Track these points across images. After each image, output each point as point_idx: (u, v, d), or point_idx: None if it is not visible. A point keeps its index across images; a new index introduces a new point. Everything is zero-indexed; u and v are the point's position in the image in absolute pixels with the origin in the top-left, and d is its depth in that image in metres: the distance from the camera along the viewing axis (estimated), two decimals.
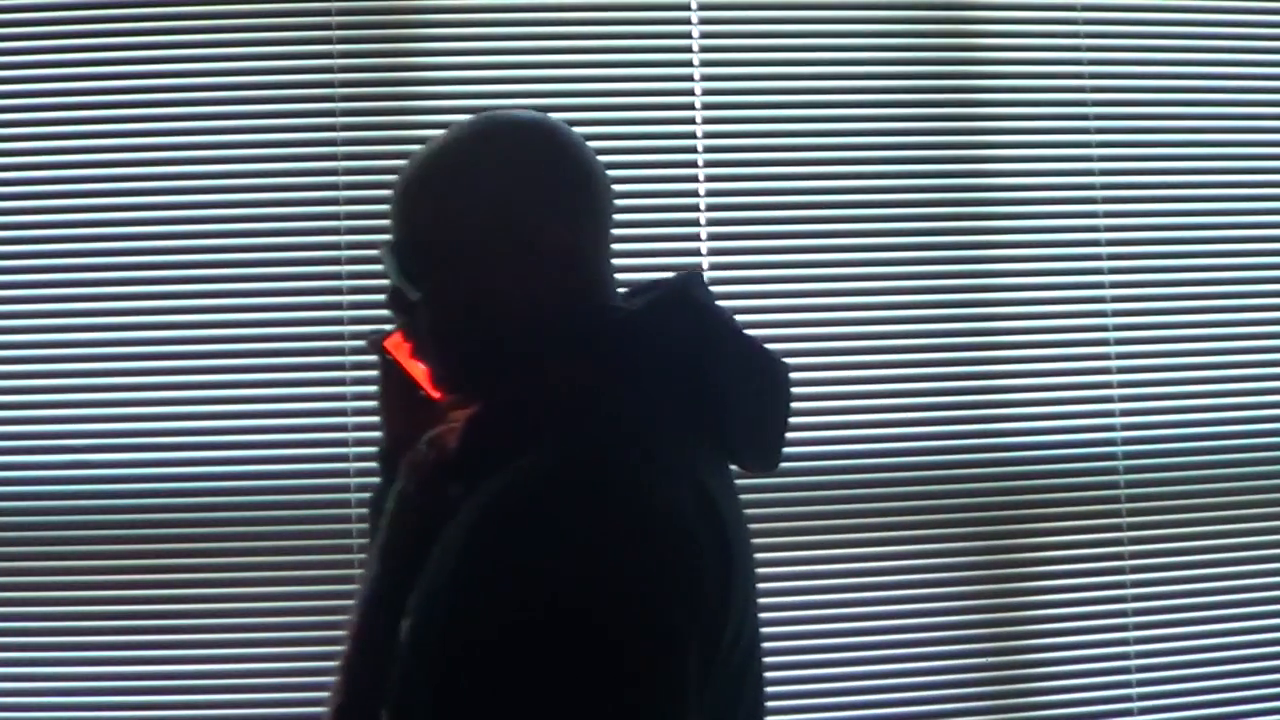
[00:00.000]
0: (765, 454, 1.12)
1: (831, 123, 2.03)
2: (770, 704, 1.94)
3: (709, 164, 2.01)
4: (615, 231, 1.12)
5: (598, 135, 1.98)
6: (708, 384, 1.03)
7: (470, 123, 1.09)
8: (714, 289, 1.12)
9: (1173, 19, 2.10)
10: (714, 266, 2.00)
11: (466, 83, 1.99)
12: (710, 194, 2.01)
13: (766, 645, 1.94)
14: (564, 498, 0.90)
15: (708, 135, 2.01)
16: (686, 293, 1.08)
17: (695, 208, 2.00)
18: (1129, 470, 2.04)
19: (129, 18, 1.95)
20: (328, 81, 1.96)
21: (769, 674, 1.94)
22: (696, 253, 2.00)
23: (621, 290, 1.12)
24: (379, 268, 1.94)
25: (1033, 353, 2.04)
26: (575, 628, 0.85)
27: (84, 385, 1.91)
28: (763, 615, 2.00)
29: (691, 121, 2.02)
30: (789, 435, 1.15)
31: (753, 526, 2.00)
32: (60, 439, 1.89)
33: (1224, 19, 2.11)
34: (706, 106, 2.02)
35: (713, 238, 2.00)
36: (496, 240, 1.03)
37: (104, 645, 1.87)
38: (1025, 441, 2.03)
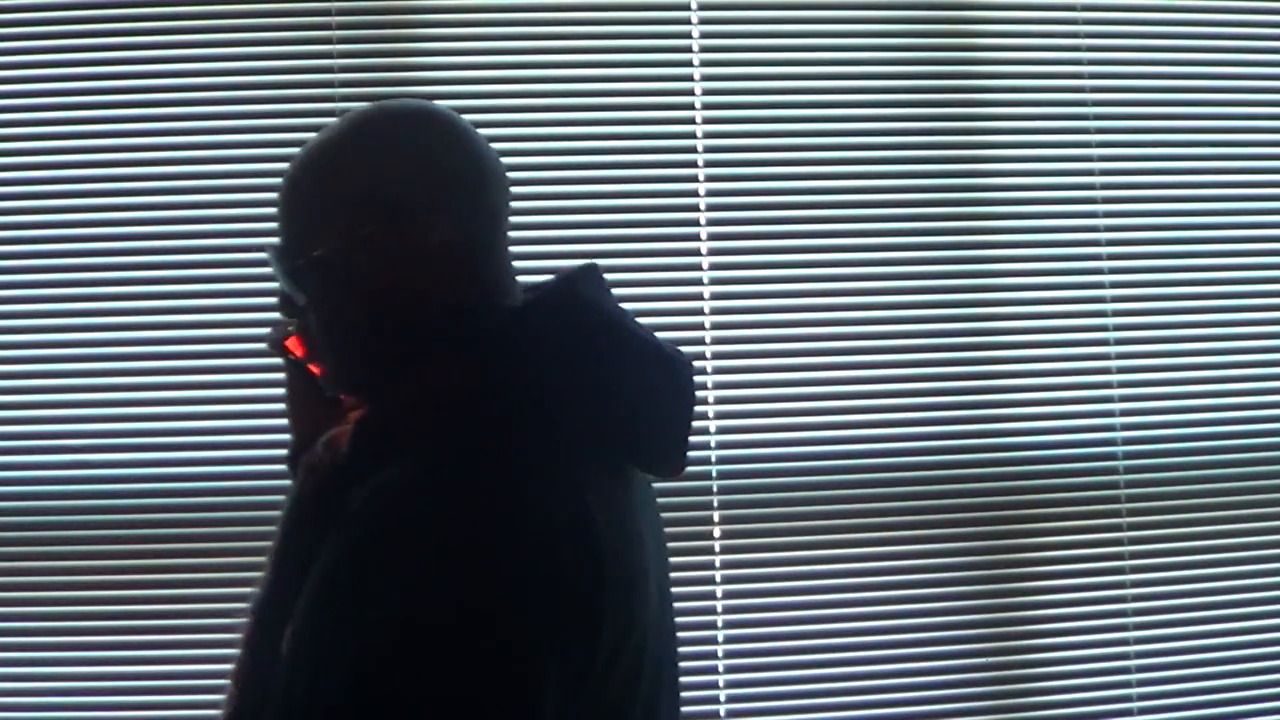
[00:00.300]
0: (666, 456, 1.05)
1: (831, 123, 2.03)
2: (770, 704, 1.94)
3: (709, 164, 2.01)
4: (512, 227, 1.08)
5: (598, 135, 1.99)
6: (597, 383, 0.98)
7: (354, 116, 1.04)
8: (611, 285, 1.07)
9: (1173, 19, 2.10)
10: (714, 266, 2.00)
11: (466, 83, 1.99)
12: (710, 194, 2.01)
13: (767, 645, 1.95)
14: (426, 509, 0.87)
15: (708, 135, 2.01)
16: (574, 289, 1.03)
17: (695, 208, 2.01)
18: (1129, 470, 2.04)
19: (129, 18, 1.95)
20: (328, 81, 1.96)
21: (769, 673, 1.95)
22: (697, 252, 2.00)
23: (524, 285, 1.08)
24: None
25: (1033, 353, 2.04)
26: (431, 646, 0.83)
27: (84, 385, 1.91)
28: (764, 615, 2.00)
29: (691, 121, 2.02)
30: (692, 437, 1.07)
31: (752, 526, 2.00)
32: (60, 439, 1.89)
33: (1224, 19, 2.11)
34: (706, 106, 2.02)
35: (713, 238, 2.00)
36: (381, 240, 0.99)
37: (104, 645, 1.87)
38: (1025, 441, 2.03)
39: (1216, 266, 2.08)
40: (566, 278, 1.05)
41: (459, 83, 1.99)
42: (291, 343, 1.09)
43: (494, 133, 1.96)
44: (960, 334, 2.03)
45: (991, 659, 1.99)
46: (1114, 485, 2.03)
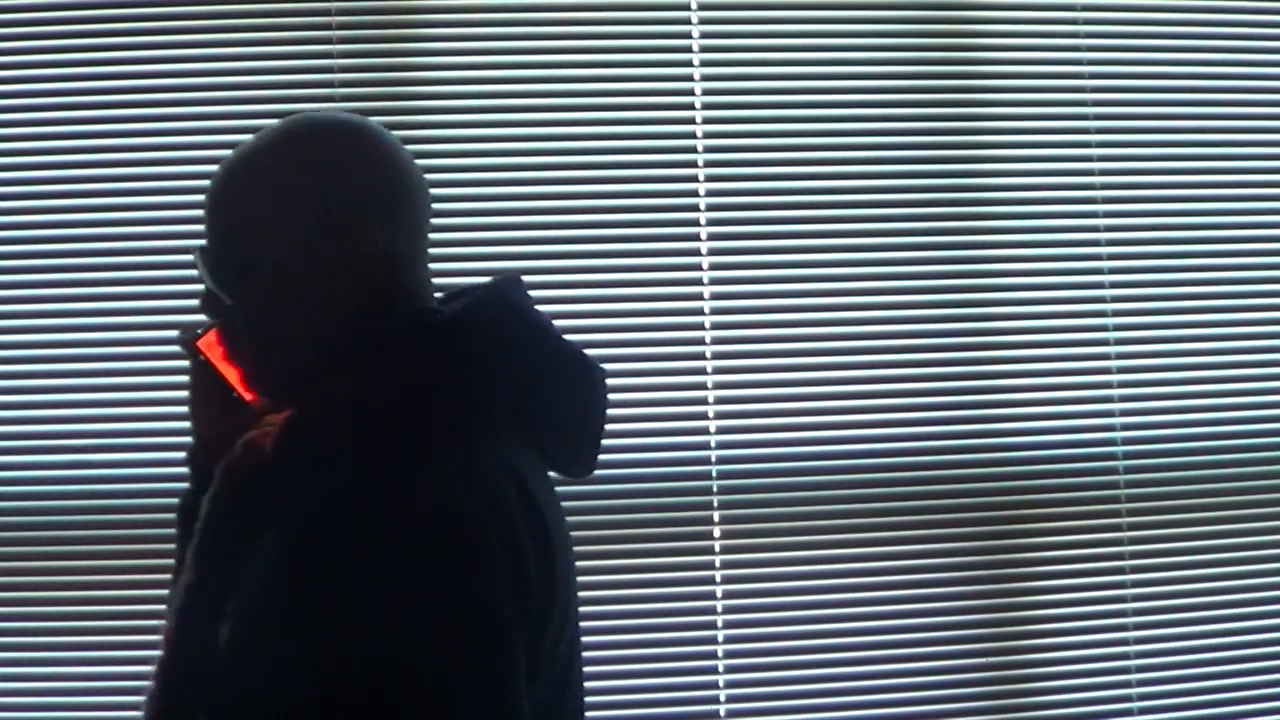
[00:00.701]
0: (581, 457, 1.12)
1: (831, 123, 2.03)
2: (770, 704, 1.94)
3: (709, 164, 2.01)
4: (432, 236, 1.11)
5: (598, 135, 1.99)
6: (524, 386, 1.03)
7: (286, 125, 1.07)
8: (533, 292, 1.11)
9: (1173, 19, 2.10)
10: (714, 266, 2.00)
11: (466, 83, 1.99)
12: (710, 194, 2.01)
13: (766, 645, 1.95)
14: (379, 506, 0.90)
15: (708, 135, 2.01)
16: (504, 295, 1.07)
17: (695, 208, 2.01)
18: (1129, 470, 2.04)
19: (129, 18, 1.95)
20: (328, 81, 1.97)
21: (769, 673, 1.95)
22: (696, 252, 2.00)
23: (439, 295, 1.12)
24: None
25: (1033, 353, 2.04)
26: (397, 639, 0.86)
27: (84, 385, 1.91)
28: (764, 615, 2.01)
29: (691, 121, 2.02)
30: (605, 440, 1.16)
31: (752, 526, 2.00)
32: (60, 439, 1.89)
33: (1224, 19, 2.11)
34: (706, 106, 2.02)
35: (713, 238, 2.00)
36: (309, 245, 1.02)
37: (104, 645, 1.87)
38: (1025, 441, 2.03)
39: (1216, 266, 2.08)
40: (496, 286, 1.09)
41: (459, 83, 1.99)
42: (204, 343, 1.11)
43: (494, 132, 1.97)
44: (960, 334, 2.03)
45: (991, 659, 1.99)
46: (1114, 485, 2.03)
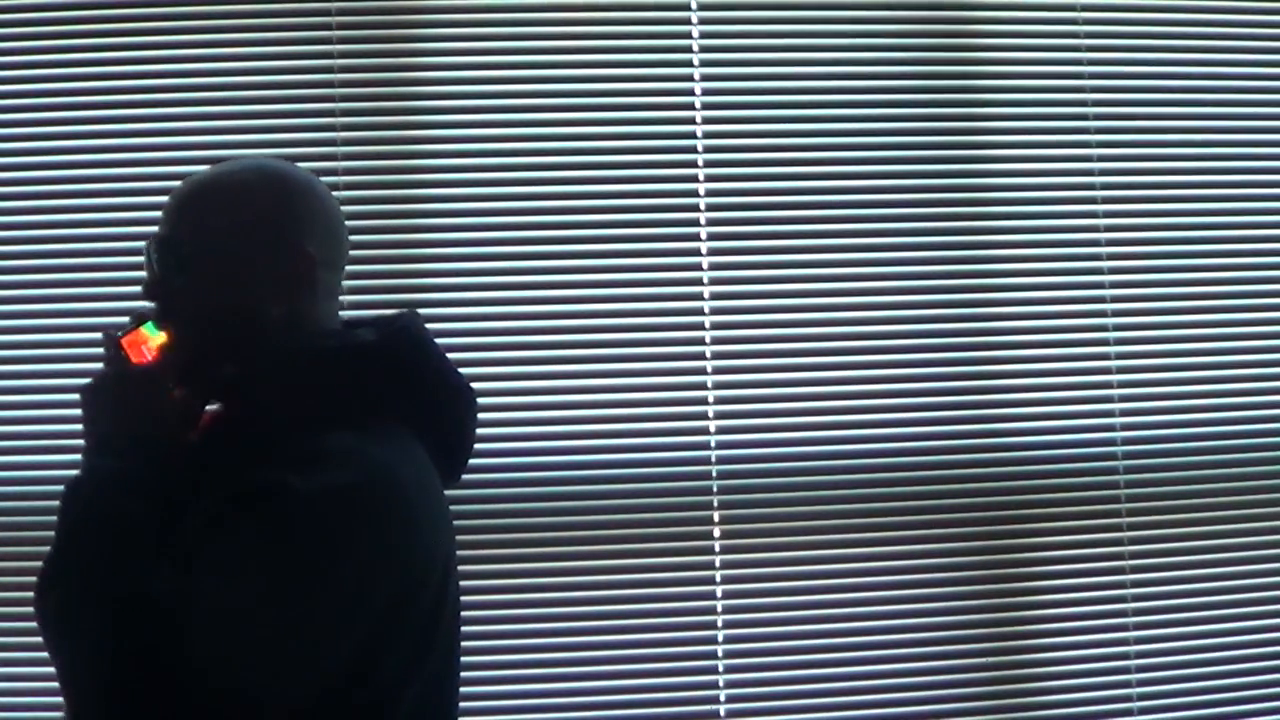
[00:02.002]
0: (456, 464, 1.30)
1: (831, 123, 2.03)
2: (770, 704, 1.94)
3: (709, 164, 2.01)
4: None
5: (598, 135, 1.99)
6: (430, 404, 1.24)
7: (255, 160, 1.29)
8: (429, 326, 1.31)
9: (1173, 19, 2.10)
10: (714, 266, 2.00)
11: (466, 83, 1.99)
12: (710, 194, 2.01)
13: (767, 645, 1.96)
14: (346, 491, 1.09)
15: (708, 135, 2.01)
16: (412, 329, 1.27)
17: (695, 208, 2.01)
18: (1129, 470, 2.04)
19: (129, 18, 1.95)
20: (328, 81, 1.97)
21: (769, 673, 1.95)
22: (697, 252, 2.00)
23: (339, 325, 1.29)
24: (379, 267, 1.95)
25: (1033, 353, 2.04)
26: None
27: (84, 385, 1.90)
28: (764, 615, 2.01)
29: (691, 121, 2.02)
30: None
31: (752, 526, 2.00)
32: (60, 439, 1.89)
33: (1224, 19, 2.11)
34: (706, 106, 2.02)
35: (713, 238, 2.00)
36: (264, 254, 1.21)
37: None
38: (1025, 441, 2.03)
39: (1216, 266, 2.08)
40: (406, 318, 1.28)
41: (459, 83, 1.99)
42: (129, 340, 1.23)
43: (494, 132, 1.98)
44: (960, 334, 2.03)
45: (991, 659, 1.99)
46: (1114, 485, 2.03)
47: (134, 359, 1.22)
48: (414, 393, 1.23)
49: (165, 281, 1.22)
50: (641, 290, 1.98)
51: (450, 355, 1.29)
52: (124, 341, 1.23)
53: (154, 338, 1.24)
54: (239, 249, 1.21)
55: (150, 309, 1.24)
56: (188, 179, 1.26)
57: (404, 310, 1.32)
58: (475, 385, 1.31)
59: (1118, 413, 2.04)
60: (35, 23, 1.95)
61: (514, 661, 1.93)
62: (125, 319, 1.26)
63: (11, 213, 1.93)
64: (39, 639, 1.18)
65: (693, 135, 2.01)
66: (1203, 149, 2.09)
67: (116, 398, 1.20)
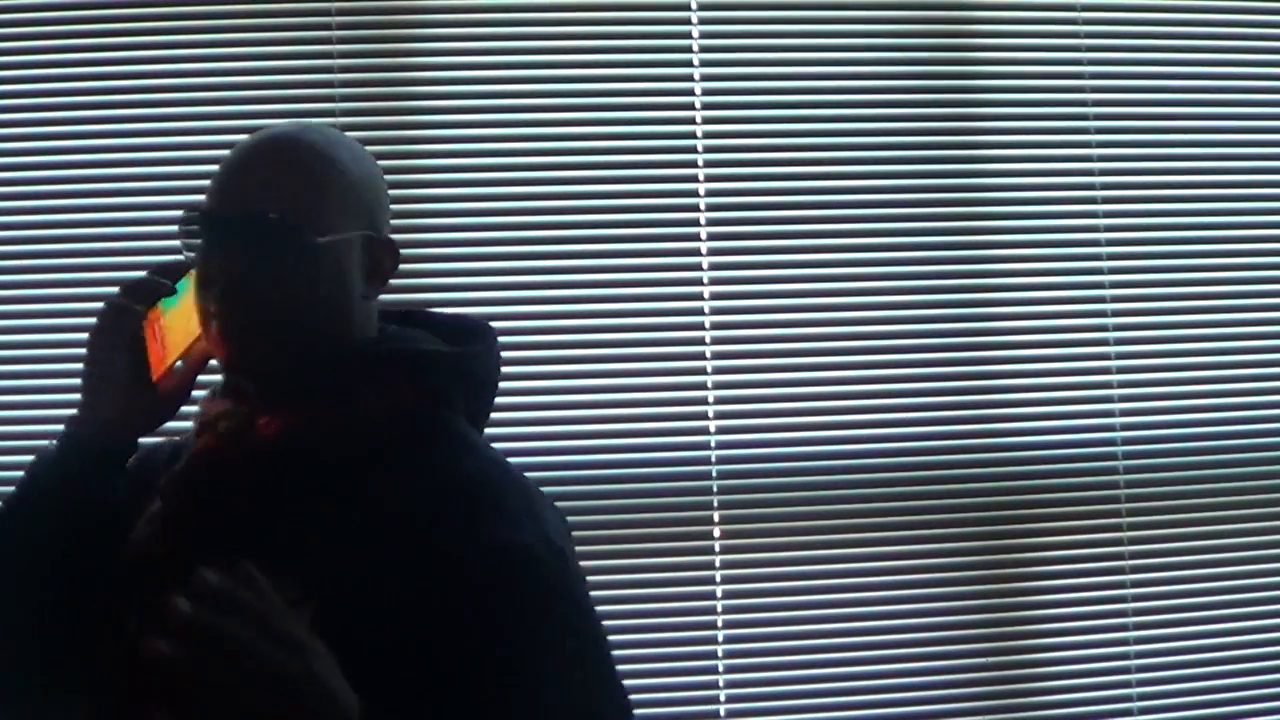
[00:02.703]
0: None
1: (831, 123, 2.03)
2: (770, 704, 1.94)
3: (709, 164, 2.01)
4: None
5: (598, 135, 1.99)
6: (486, 408, 1.19)
7: (326, 129, 1.17)
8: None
9: (1173, 19, 2.10)
10: (714, 266, 2.00)
11: (466, 83, 1.99)
12: (710, 194, 2.01)
13: (767, 645, 1.95)
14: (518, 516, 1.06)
15: (708, 135, 2.01)
16: (492, 338, 1.20)
17: (695, 208, 2.01)
18: (1129, 470, 2.04)
19: (129, 18, 1.95)
20: (328, 81, 1.97)
21: (769, 673, 1.95)
22: (697, 252, 2.00)
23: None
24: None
25: (1033, 353, 2.04)
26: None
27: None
28: (764, 615, 2.01)
29: (691, 121, 2.02)
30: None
31: (752, 526, 2.00)
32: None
33: (1224, 19, 2.11)
34: (706, 106, 2.02)
35: (713, 238, 2.00)
36: (360, 241, 1.11)
37: None
38: (1025, 441, 2.03)
39: (1216, 266, 2.08)
40: (483, 330, 1.19)
41: (459, 83, 1.99)
42: (151, 325, 1.08)
43: (494, 132, 1.97)
44: (960, 334, 2.03)
45: (991, 659, 1.99)
46: (1114, 485, 2.03)
47: (153, 355, 1.08)
48: (490, 402, 1.19)
49: (244, 264, 1.05)
50: (641, 290, 1.98)
51: None
52: (148, 327, 1.08)
53: (172, 325, 1.10)
54: (348, 227, 1.10)
55: (162, 283, 1.13)
56: (261, 143, 1.16)
57: (469, 314, 1.23)
58: None
59: (1118, 413, 2.04)
60: (35, 23, 1.94)
61: None
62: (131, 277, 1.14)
63: (11, 213, 1.93)
64: None
65: (693, 136, 2.01)
66: (1203, 149, 2.09)
67: (105, 377, 1.11)
